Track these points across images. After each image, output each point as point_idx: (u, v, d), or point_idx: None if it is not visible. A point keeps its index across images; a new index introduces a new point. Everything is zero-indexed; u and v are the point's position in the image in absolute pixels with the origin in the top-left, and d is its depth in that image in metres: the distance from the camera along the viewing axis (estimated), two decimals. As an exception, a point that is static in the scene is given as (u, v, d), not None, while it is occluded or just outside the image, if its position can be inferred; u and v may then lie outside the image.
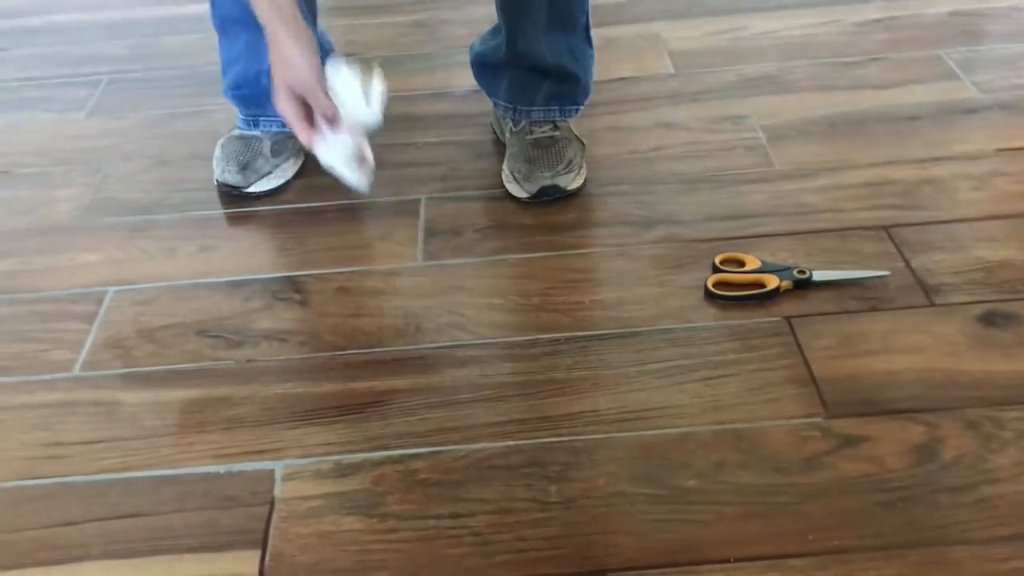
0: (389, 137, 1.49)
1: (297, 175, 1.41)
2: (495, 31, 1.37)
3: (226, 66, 1.40)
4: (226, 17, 1.34)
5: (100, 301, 1.20)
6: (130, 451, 0.99)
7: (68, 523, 0.92)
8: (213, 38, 1.80)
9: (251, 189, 1.36)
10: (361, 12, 1.92)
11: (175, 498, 0.94)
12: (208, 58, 1.74)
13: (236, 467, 0.96)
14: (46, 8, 2.01)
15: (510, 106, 1.38)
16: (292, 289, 1.20)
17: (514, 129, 1.38)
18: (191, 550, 0.88)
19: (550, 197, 1.31)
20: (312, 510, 0.91)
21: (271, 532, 0.90)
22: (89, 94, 1.67)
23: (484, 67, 1.41)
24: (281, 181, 1.39)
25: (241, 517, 0.91)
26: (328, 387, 1.05)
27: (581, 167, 1.35)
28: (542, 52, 1.32)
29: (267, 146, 1.38)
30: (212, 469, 0.97)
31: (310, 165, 1.43)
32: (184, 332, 1.14)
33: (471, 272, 1.21)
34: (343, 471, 0.95)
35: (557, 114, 1.37)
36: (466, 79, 1.48)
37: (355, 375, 1.06)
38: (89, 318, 1.17)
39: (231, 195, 1.37)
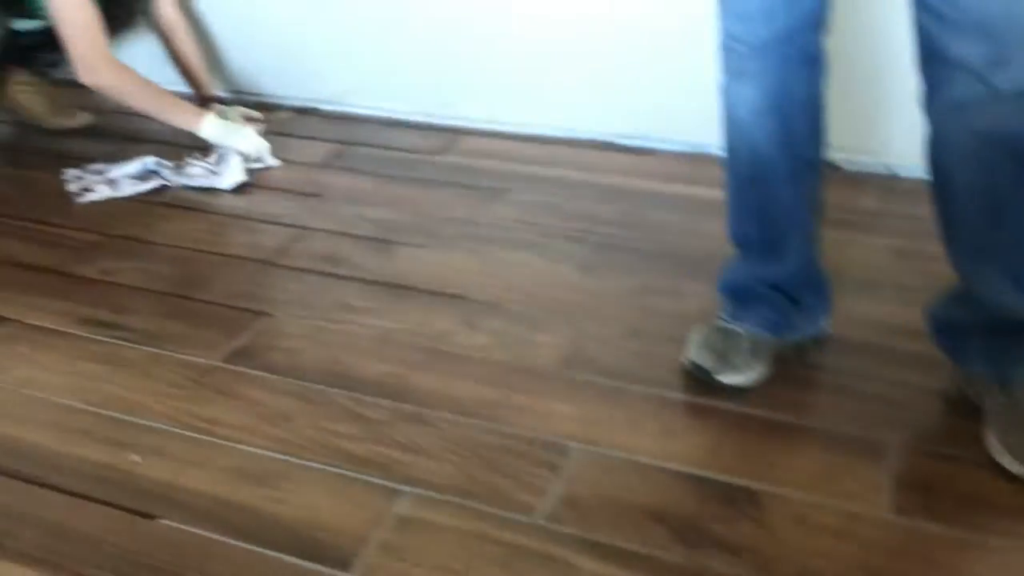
0: (859, 363, 1.46)
1: (767, 382, 1.41)
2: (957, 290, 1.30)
3: (727, 270, 1.46)
4: (744, 237, 1.42)
5: (565, 454, 1.27)
6: (578, 620, 1.01)
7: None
8: (695, 222, 1.91)
9: (721, 378, 1.38)
10: (835, 226, 1.91)
11: None
12: (688, 242, 1.83)
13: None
14: (547, 160, 2.23)
15: (993, 372, 1.29)
16: (748, 502, 1.18)
17: (1000, 396, 1.28)
18: None
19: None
20: None
21: None
22: (577, 250, 1.81)
23: (945, 331, 1.35)
24: (750, 382, 1.39)
25: None
26: (779, 622, 1.01)
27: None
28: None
29: (746, 345, 1.40)
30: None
31: (781, 372, 1.43)
32: (640, 512, 1.16)
33: (950, 545, 1.12)
34: None
35: None
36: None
37: (809, 619, 1.01)
38: (554, 467, 1.24)
39: (699, 381, 1.40)
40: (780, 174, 1.35)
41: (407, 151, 2.29)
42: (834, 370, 1.46)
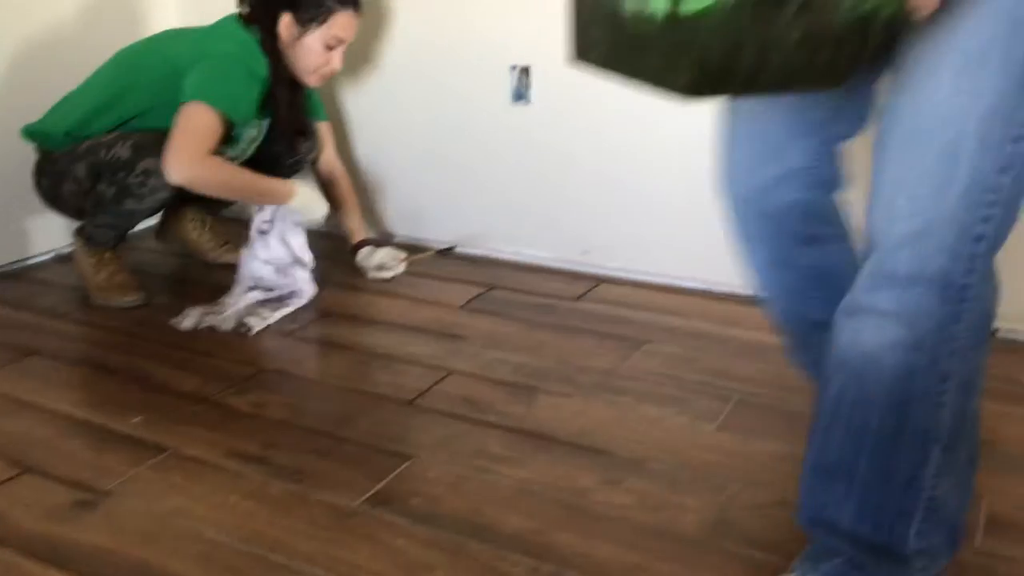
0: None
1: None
2: None
3: None
4: None
5: (716, 632, 1.21)
6: None
7: None
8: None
9: None
10: (994, 398, 1.82)
11: None
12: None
13: None
14: (688, 312, 2.22)
15: None
16: None
17: None
18: None
19: None
20: None
21: None
22: (720, 407, 1.77)
23: None
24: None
25: None
26: None
27: None
28: None
29: None
30: None
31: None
32: None
33: None
34: None
35: None
36: None
37: None
38: (702, 646, 1.18)
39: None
40: (795, 339, 1.31)
41: (548, 296, 2.32)
42: (990, 554, 1.36)
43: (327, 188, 2.50)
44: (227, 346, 2.07)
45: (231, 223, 2.75)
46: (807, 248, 1.26)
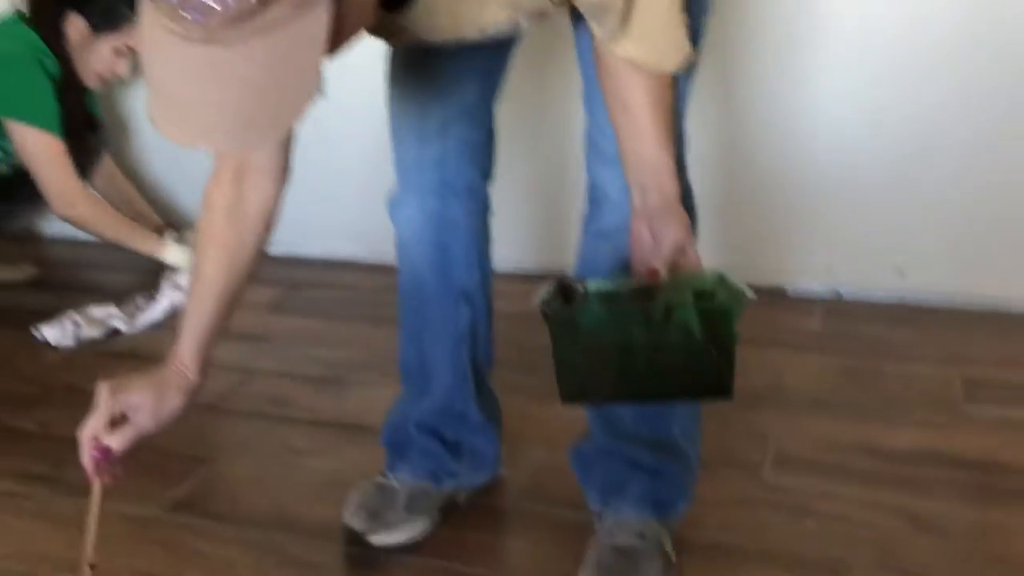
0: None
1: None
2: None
3: (388, 415, 1.45)
4: (404, 364, 1.42)
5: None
6: None
7: None
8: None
9: (373, 539, 1.32)
10: (783, 348, 1.93)
11: None
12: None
13: None
14: (507, 293, 2.23)
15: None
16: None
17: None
18: None
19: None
20: None
21: None
22: (527, 380, 1.79)
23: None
24: (406, 539, 1.32)
25: None
26: None
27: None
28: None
29: (401, 500, 1.34)
30: None
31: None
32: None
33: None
34: None
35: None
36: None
37: None
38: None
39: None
40: (431, 298, 1.35)
41: (357, 289, 2.29)
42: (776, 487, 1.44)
43: (107, 186, 2.37)
44: (10, 365, 1.93)
45: (11, 240, 2.58)
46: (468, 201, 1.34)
